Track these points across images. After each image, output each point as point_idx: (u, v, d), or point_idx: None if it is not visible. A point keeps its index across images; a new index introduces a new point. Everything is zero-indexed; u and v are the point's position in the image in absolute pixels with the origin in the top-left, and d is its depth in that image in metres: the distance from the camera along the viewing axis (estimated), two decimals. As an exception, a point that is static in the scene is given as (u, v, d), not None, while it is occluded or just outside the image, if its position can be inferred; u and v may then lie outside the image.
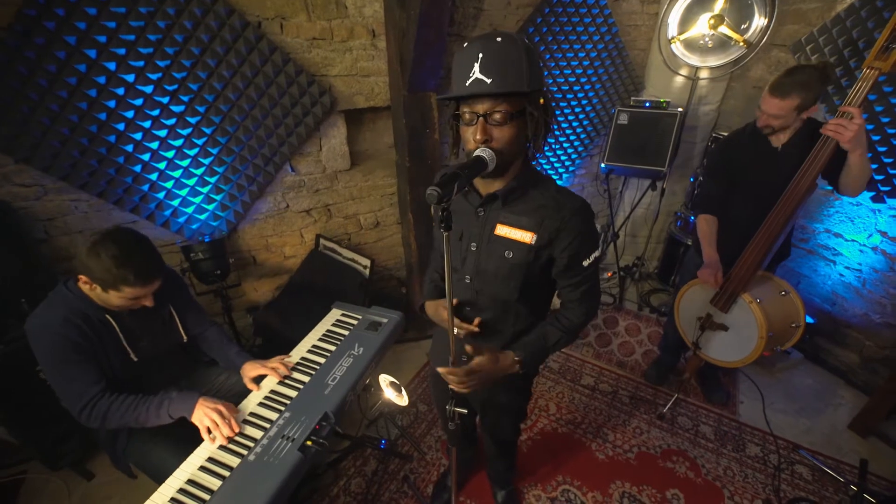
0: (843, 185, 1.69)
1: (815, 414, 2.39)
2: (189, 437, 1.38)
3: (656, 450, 2.17)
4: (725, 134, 2.69)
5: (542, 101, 0.94)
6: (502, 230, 1.06)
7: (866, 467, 1.49)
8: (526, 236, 1.04)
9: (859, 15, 2.20)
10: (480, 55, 0.86)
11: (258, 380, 1.56)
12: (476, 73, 0.87)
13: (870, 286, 2.45)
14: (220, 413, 1.34)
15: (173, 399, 1.37)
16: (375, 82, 2.34)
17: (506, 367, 1.11)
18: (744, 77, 2.92)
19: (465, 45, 0.90)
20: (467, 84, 0.88)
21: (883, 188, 2.27)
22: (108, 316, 1.39)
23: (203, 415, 1.33)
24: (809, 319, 2.67)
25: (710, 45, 2.79)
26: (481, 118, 0.90)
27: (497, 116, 0.90)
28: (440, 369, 1.06)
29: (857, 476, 1.47)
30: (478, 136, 0.91)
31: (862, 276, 2.48)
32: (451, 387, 1.09)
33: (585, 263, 1.07)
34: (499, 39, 0.87)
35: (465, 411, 1.13)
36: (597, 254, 1.10)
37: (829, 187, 2.55)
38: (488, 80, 0.86)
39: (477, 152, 0.90)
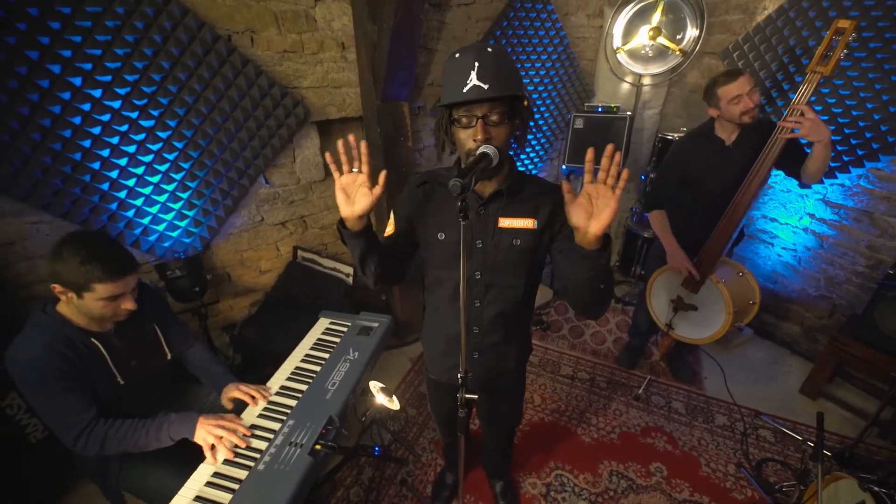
0: (809, 173, 1.84)
1: (769, 382, 2.63)
2: (186, 458, 1.34)
3: (636, 428, 2.31)
4: (670, 135, 2.94)
5: (525, 103, 1.04)
6: (505, 222, 1.15)
7: (822, 420, 1.67)
8: (528, 223, 1.14)
9: (776, 25, 2.51)
10: (476, 63, 0.94)
11: (236, 401, 1.53)
12: (473, 80, 0.95)
13: (805, 263, 2.75)
14: (224, 427, 1.32)
15: (172, 421, 1.33)
16: (346, 93, 2.39)
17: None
18: (681, 83, 3.21)
19: (457, 55, 0.98)
20: (465, 91, 0.95)
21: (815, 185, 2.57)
22: (93, 339, 1.33)
23: (206, 433, 1.30)
24: (757, 297, 2.95)
25: (650, 55, 3.05)
26: (480, 119, 0.99)
27: (495, 118, 0.99)
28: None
29: (816, 429, 1.64)
30: (479, 136, 0.99)
31: (797, 254, 2.77)
32: (459, 374, 1.14)
33: None
34: (489, 49, 0.96)
35: (476, 397, 1.19)
36: None
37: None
38: (485, 86, 0.94)
39: (482, 149, 0.97)
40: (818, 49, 1.65)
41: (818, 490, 1.50)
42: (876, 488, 1.44)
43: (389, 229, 1.26)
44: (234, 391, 1.52)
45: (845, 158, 2.41)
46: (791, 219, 2.77)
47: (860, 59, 2.23)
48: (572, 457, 2.15)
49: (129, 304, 1.30)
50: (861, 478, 1.53)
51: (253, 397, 1.49)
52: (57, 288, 1.21)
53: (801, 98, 1.71)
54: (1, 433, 1.72)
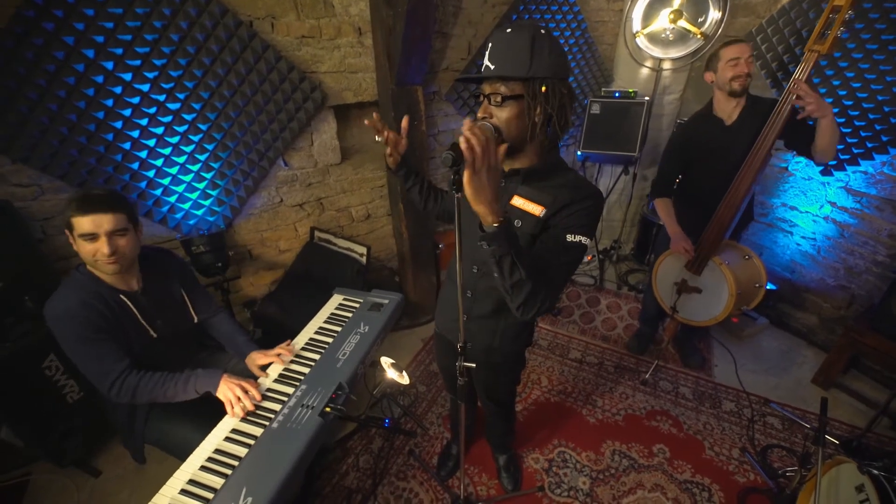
0: (819, 150, 1.81)
1: (781, 372, 2.61)
2: (207, 415, 1.44)
3: (641, 411, 2.34)
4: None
5: (543, 88, 1.00)
6: (517, 201, 1.14)
7: (826, 404, 1.67)
8: (536, 209, 1.10)
9: (801, 6, 2.44)
10: (490, 44, 1.02)
11: (265, 367, 1.61)
12: (485, 59, 1.03)
13: (824, 253, 2.70)
14: (243, 388, 1.42)
15: (199, 375, 1.44)
16: (363, 78, 2.44)
17: (493, 194, 0.90)
18: (702, 67, 3.14)
19: (490, 34, 1.05)
20: (481, 69, 1.04)
21: (830, 162, 2.51)
22: (122, 296, 1.44)
23: (227, 389, 1.40)
24: (772, 286, 2.90)
25: (671, 39, 3.00)
26: (486, 98, 1.06)
27: (497, 98, 1.03)
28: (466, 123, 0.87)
29: (819, 412, 1.64)
30: (479, 113, 1.07)
31: (817, 244, 2.72)
32: (459, 344, 1.20)
33: (569, 238, 1.07)
34: (508, 30, 1.00)
35: (474, 365, 1.24)
36: (584, 240, 1.08)
37: (783, 164, 2.80)
38: (492, 66, 1.01)
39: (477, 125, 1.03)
40: (816, 27, 1.64)
41: (818, 472, 1.51)
42: (875, 471, 1.44)
43: None
44: (261, 358, 1.60)
45: (869, 145, 2.35)
46: (811, 207, 2.72)
47: (887, 41, 2.16)
48: (576, 435, 2.20)
49: (103, 248, 1.31)
50: (861, 461, 1.53)
51: (279, 355, 1.60)
52: (68, 235, 1.33)
53: (800, 76, 1.70)
54: (39, 393, 1.87)
